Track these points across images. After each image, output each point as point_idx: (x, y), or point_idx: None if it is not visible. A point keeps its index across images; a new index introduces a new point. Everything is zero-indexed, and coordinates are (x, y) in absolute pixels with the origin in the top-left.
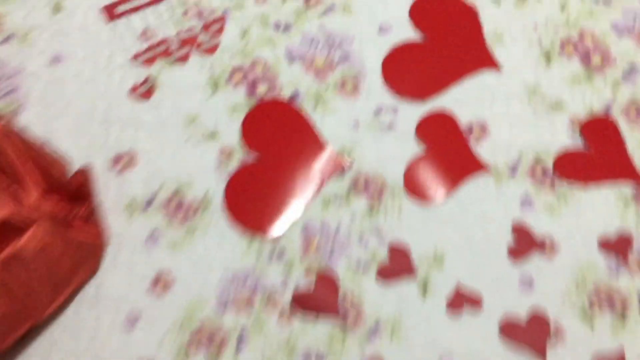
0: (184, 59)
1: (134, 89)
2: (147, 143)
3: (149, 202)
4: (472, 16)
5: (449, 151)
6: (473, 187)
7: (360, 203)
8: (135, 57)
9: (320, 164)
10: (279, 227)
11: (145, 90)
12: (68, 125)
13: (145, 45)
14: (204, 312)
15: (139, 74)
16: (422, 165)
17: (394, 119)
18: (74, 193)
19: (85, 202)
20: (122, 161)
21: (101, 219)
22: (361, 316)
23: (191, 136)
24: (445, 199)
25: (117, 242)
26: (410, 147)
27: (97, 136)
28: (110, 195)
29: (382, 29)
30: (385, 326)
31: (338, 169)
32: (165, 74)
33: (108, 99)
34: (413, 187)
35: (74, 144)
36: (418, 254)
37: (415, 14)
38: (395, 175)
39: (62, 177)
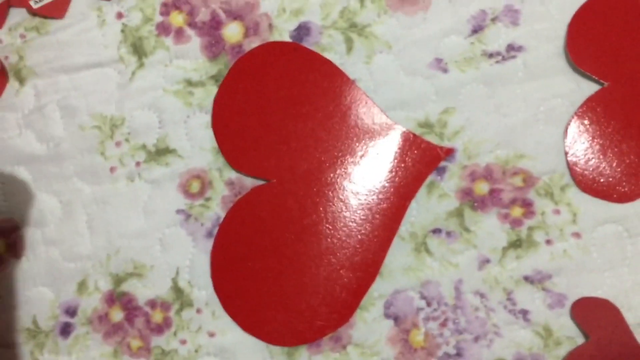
0: None
1: None
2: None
3: (67, 324)
4: None
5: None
6: None
7: (488, 225)
8: None
9: (389, 165)
10: (339, 317)
11: None
12: None
13: None
14: None
15: None
16: (599, 114)
17: (508, 32)
18: None
19: None
20: None
21: None
22: None
23: (120, 163)
24: None
25: None
26: (572, 86)
27: None
28: None
29: None
30: None
31: (427, 167)
32: (34, 43)
33: None
34: (589, 177)
35: None
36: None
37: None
38: (547, 157)
39: None
